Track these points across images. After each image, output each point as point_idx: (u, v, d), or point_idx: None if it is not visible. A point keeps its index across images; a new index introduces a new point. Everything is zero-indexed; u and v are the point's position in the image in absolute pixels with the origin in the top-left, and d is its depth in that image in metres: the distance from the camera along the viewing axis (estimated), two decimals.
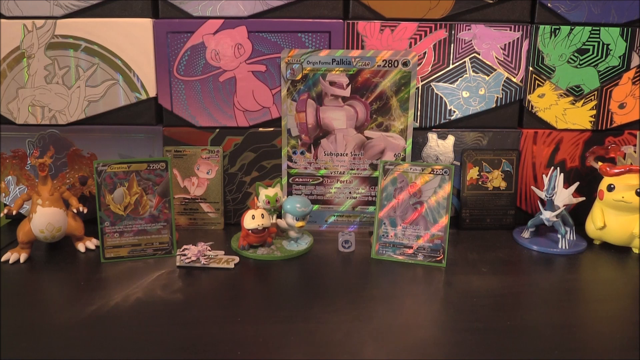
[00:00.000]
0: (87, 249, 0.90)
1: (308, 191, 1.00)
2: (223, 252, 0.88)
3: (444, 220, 0.87)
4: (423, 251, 0.88)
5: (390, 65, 0.94)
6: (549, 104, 0.98)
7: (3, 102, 0.97)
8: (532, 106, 0.98)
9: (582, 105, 0.99)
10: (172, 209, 0.89)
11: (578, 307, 0.75)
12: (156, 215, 0.89)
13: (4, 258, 0.85)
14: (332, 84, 0.95)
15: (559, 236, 0.92)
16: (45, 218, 0.86)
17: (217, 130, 0.98)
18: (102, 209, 0.87)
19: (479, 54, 0.96)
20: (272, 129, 0.98)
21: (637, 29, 0.95)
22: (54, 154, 0.92)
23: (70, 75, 0.95)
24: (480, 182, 1.00)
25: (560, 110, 0.99)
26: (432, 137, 0.99)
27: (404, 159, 0.98)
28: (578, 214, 0.98)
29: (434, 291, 0.79)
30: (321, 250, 0.91)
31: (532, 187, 0.96)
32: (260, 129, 0.99)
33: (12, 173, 0.89)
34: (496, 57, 0.96)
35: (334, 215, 1.00)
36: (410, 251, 0.88)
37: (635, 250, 0.91)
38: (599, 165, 0.94)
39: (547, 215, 0.92)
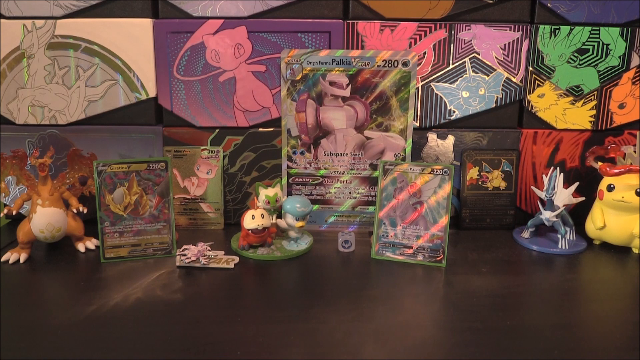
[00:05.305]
0: (87, 249, 0.90)
1: (308, 191, 1.00)
2: (223, 252, 0.88)
3: (444, 220, 0.87)
4: (423, 251, 0.88)
5: (390, 65, 0.94)
6: (548, 104, 0.98)
7: (3, 102, 0.97)
8: (532, 106, 0.98)
9: (582, 105, 0.99)
10: (172, 209, 0.89)
11: (578, 307, 0.75)
12: (156, 215, 0.89)
13: (4, 258, 0.85)
14: (332, 84, 0.95)
15: (559, 236, 0.92)
16: (45, 218, 0.86)
17: (217, 130, 0.98)
18: (102, 209, 0.87)
19: (479, 54, 0.96)
20: (272, 129, 0.98)
21: (637, 29, 0.95)
22: (54, 154, 0.92)
23: (70, 76, 0.95)
24: (480, 182, 1.00)
25: (560, 110, 0.99)
26: (432, 137, 0.99)
27: (403, 159, 0.98)
28: (578, 214, 0.98)
29: (434, 291, 0.79)
30: (321, 250, 0.91)
31: (532, 187, 0.96)
32: (260, 129, 0.99)
33: (12, 173, 0.89)
34: (496, 57, 0.96)
35: (334, 215, 1.00)
36: (410, 251, 0.88)
37: (635, 250, 0.91)
38: (598, 165, 0.94)
39: (547, 215, 0.92)
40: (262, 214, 0.88)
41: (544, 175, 0.94)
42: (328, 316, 0.70)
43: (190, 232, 0.98)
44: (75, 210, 0.88)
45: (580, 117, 0.99)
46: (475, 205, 1.00)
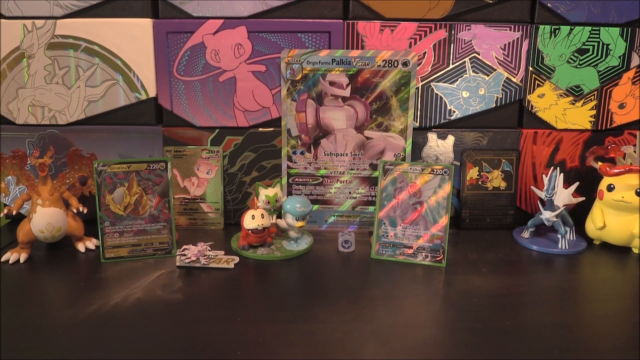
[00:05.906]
0: (87, 249, 0.90)
1: (308, 191, 1.00)
2: (223, 252, 0.88)
3: (444, 220, 0.87)
4: (423, 251, 0.88)
5: (390, 65, 0.94)
6: (548, 104, 0.98)
7: (3, 102, 0.97)
8: (532, 106, 0.98)
9: (582, 105, 0.99)
10: (172, 209, 0.89)
11: (578, 307, 0.75)
12: (156, 215, 0.89)
13: (4, 258, 0.85)
14: (332, 84, 0.95)
15: (559, 236, 0.92)
16: (45, 218, 0.86)
17: (217, 130, 0.98)
18: (102, 209, 0.87)
19: (479, 54, 0.96)
20: (272, 129, 0.98)
21: (637, 29, 0.95)
22: (54, 154, 0.92)
23: (70, 76, 0.95)
24: (480, 182, 1.00)
25: (560, 110, 0.99)
26: (432, 137, 0.99)
27: (404, 159, 0.98)
28: (578, 214, 0.98)
29: (434, 291, 0.79)
30: (321, 250, 0.91)
31: (532, 187, 0.96)
32: (260, 129, 0.99)
33: (12, 173, 0.89)
34: (496, 57, 0.96)
35: (334, 215, 1.00)
36: (410, 251, 0.88)
37: (635, 250, 0.91)
38: (598, 165, 0.94)
39: (547, 215, 0.92)
40: (262, 214, 0.88)
41: (544, 175, 0.94)
42: (328, 316, 0.70)
43: (190, 232, 0.98)
44: (75, 210, 0.88)
45: (580, 117, 0.99)
46: (475, 205, 1.00)
